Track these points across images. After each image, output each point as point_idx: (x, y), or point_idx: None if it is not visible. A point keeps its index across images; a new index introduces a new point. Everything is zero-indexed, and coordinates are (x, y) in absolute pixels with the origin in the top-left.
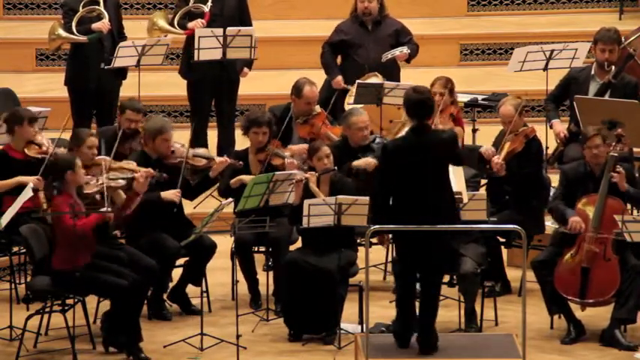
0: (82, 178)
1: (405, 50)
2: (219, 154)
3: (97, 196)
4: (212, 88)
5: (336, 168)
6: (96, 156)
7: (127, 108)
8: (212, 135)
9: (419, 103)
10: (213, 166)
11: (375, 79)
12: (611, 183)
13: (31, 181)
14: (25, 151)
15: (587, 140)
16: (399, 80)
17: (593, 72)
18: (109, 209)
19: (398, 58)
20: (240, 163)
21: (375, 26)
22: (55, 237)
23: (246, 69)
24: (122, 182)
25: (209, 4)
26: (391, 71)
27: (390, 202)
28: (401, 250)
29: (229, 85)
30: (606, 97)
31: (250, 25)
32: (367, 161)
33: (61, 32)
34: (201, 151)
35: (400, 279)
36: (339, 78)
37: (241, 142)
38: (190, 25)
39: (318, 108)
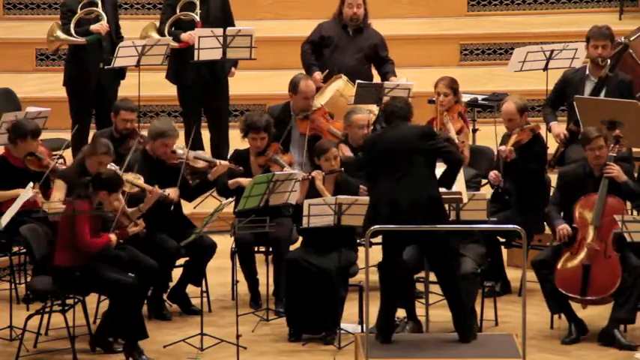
0: (111, 202)
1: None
2: (214, 154)
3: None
4: (201, 90)
5: (342, 169)
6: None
7: (121, 108)
8: (206, 135)
9: (390, 111)
10: (213, 169)
11: (340, 81)
12: (611, 182)
13: (30, 189)
14: (26, 163)
15: (589, 142)
16: None
17: (587, 72)
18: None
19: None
20: (241, 168)
21: (356, 33)
22: (58, 236)
23: (233, 69)
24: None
25: (197, 11)
26: (363, 76)
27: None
28: (389, 245)
29: (218, 86)
30: (602, 96)
31: (234, 25)
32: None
33: (60, 34)
34: (202, 153)
35: (383, 272)
36: (317, 74)
37: (236, 142)
38: (184, 37)
39: (317, 103)
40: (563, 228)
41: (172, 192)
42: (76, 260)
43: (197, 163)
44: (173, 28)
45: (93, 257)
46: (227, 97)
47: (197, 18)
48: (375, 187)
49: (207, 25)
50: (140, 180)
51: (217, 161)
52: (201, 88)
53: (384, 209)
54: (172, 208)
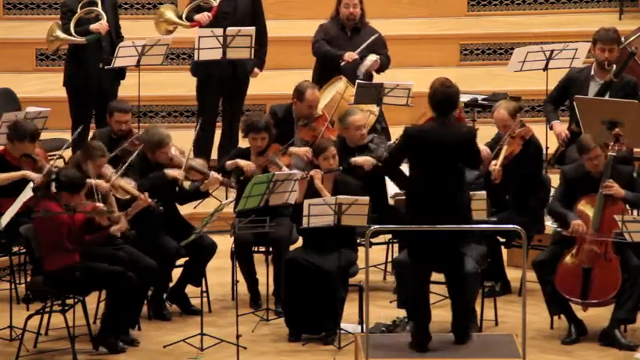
0: (79, 203)
1: (374, 57)
2: (221, 153)
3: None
4: (219, 86)
5: (341, 168)
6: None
7: (115, 110)
8: (218, 133)
9: (444, 98)
10: (206, 181)
11: (340, 82)
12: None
13: (35, 178)
14: (21, 164)
15: (587, 152)
16: None
17: (592, 72)
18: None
19: (371, 67)
20: (233, 185)
21: (354, 33)
22: (42, 242)
23: (256, 69)
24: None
25: None
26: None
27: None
28: (413, 248)
29: (237, 85)
30: (606, 97)
31: (263, 25)
32: (366, 159)
33: (60, 34)
34: (198, 164)
35: (413, 280)
36: (349, 53)
37: (245, 142)
38: (196, 17)
39: (319, 110)
40: (580, 224)
41: (177, 172)
42: (69, 259)
43: (191, 174)
44: (196, 13)
45: (90, 256)
46: (241, 99)
47: (215, 3)
48: (412, 181)
49: (231, 20)
50: (131, 186)
51: (210, 173)
52: (217, 85)
53: (420, 209)
54: (178, 188)
